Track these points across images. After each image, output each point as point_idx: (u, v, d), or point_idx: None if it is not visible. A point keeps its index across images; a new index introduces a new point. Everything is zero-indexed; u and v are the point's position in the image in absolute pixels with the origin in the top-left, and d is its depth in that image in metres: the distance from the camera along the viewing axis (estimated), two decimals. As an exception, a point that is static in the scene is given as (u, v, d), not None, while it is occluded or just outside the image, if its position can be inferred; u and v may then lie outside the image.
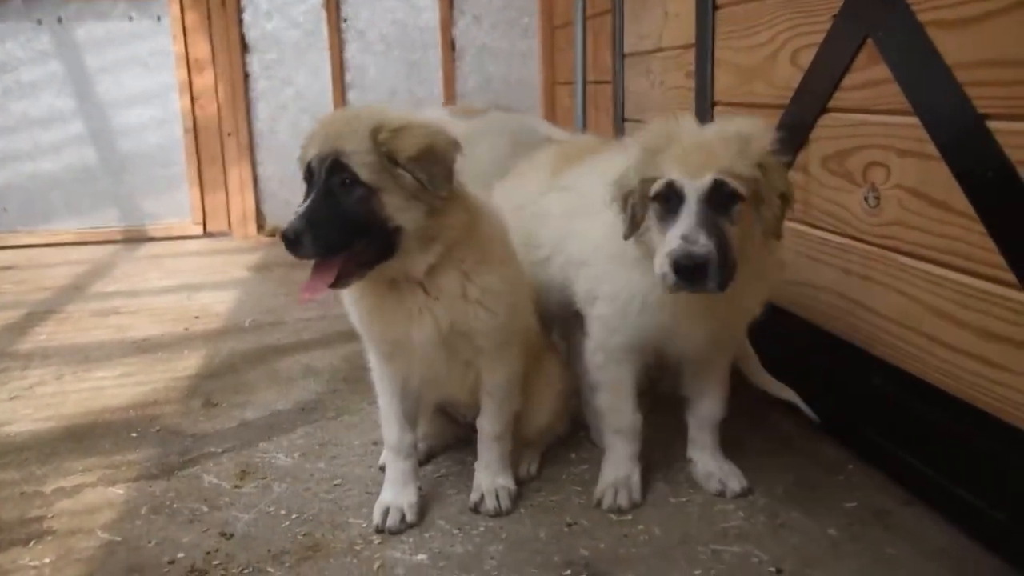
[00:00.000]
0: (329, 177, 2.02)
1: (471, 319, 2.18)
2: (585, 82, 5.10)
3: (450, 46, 6.53)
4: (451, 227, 2.09)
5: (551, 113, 6.62)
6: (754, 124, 2.14)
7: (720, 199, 2.01)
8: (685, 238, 1.96)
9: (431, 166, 2.02)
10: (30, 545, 2.29)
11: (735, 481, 2.41)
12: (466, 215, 2.14)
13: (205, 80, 6.37)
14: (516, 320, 2.29)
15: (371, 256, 2.04)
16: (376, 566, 2.14)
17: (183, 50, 6.30)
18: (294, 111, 6.48)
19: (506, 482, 2.41)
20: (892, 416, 2.43)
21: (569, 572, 2.06)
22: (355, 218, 2.00)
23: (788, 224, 2.69)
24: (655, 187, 2.06)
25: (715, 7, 3.40)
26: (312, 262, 2.07)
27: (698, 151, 2.04)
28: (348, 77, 6.51)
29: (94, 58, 6.26)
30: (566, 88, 6.20)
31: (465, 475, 2.58)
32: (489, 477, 2.40)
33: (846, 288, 2.65)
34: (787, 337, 2.85)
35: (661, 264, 1.99)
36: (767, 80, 3.02)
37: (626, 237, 2.16)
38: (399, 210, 2.02)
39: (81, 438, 2.97)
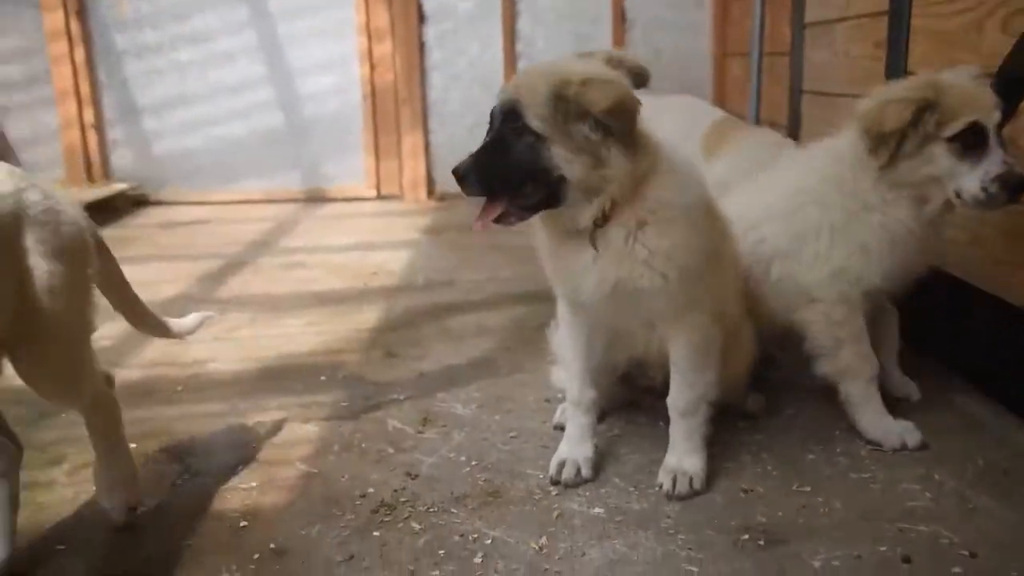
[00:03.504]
0: (503, 124, 2.09)
1: (636, 279, 2.14)
2: (762, 54, 4.96)
3: (620, 17, 6.49)
4: (617, 182, 2.08)
5: (720, 86, 6.49)
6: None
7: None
8: (1007, 163, 2.30)
9: (620, 118, 2.04)
10: (238, 470, 2.46)
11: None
12: (638, 172, 2.11)
13: (383, 49, 6.56)
14: (694, 287, 2.20)
15: (535, 201, 2.09)
16: (555, 515, 2.18)
17: (364, 20, 6.51)
18: (466, 80, 6.60)
19: (691, 466, 2.29)
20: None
21: (747, 536, 2.04)
22: (520, 163, 2.06)
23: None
24: (955, 127, 2.34)
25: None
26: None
27: (983, 94, 2.36)
28: (518, 47, 6.58)
29: (285, 27, 6.56)
30: (737, 60, 6.06)
31: (637, 436, 2.60)
32: (674, 458, 2.33)
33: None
34: (980, 317, 2.72)
35: (986, 186, 2.31)
36: (972, 49, 2.84)
37: (883, 168, 2.42)
38: (564, 160, 2.05)
39: (275, 378, 3.16)
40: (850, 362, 2.52)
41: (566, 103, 2.03)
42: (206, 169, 6.75)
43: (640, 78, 3.52)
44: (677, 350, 2.29)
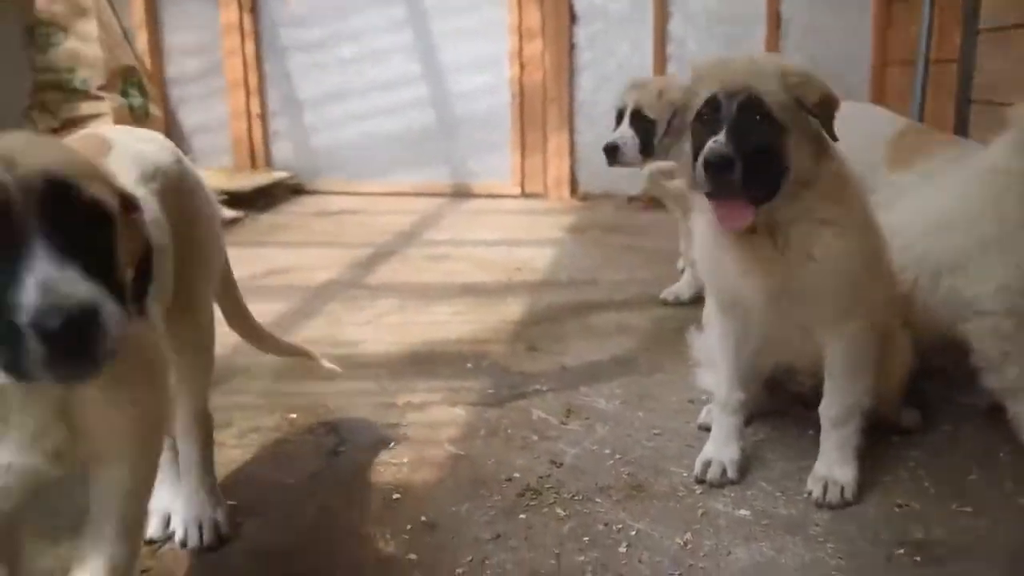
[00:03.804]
0: (741, 111, 2.03)
1: (809, 278, 2.12)
2: (928, 61, 4.77)
3: (776, 21, 6.35)
4: (823, 178, 2.09)
5: (878, 95, 6.26)
6: None
7: None
8: None
9: (830, 112, 2.07)
10: (390, 446, 2.56)
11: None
12: (837, 169, 2.13)
13: (534, 49, 6.64)
14: (861, 293, 2.18)
15: (763, 197, 2.05)
16: (699, 513, 2.18)
17: (517, 20, 6.61)
18: (616, 81, 6.56)
19: (842, 476, 2.23)
20: None
21: (902, 551, 1.98)
22: (763, 154, 2.02)
23: None
24: None
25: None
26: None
27: None
28: (669, 49, 6.53)
29: (439, 25, 6.74)
30: (898, 68, 5.84)
31: (783, 443, 2.56)
32: (824, 466, 2.27)
33: None
34: None
35: None
36: None
37: None
38: (796, 150, 2.05)
39: (423, 363, 3.26)
40: (1018, 379, 2.41)
41: (793, 92, 2.04)
42: (359, 161, 7.00)
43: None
44: (833, 357, 2.26)
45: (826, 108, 2.06)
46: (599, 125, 6.58)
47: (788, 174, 2.04)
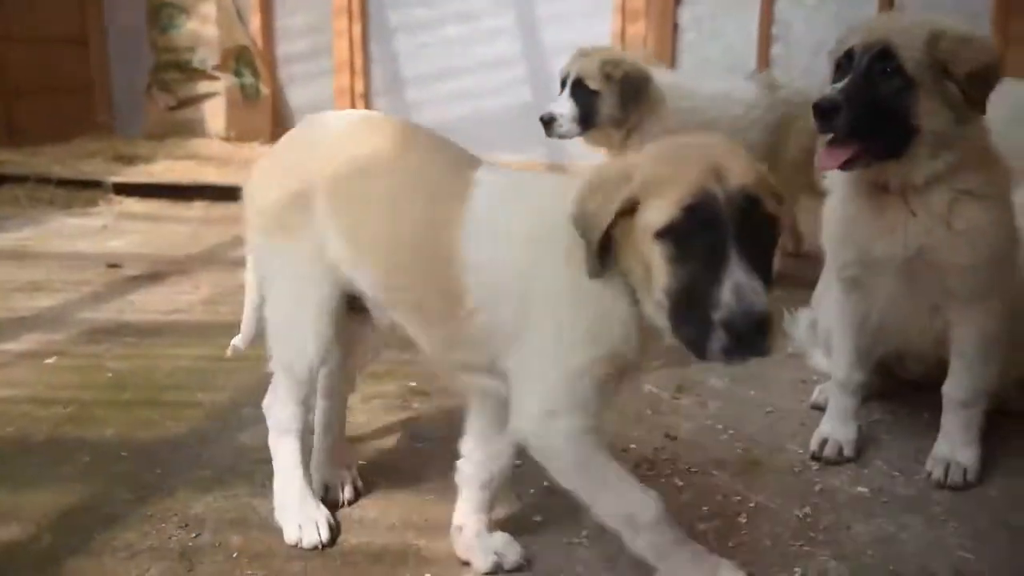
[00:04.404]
0: (872, 63, 2.09)
1: (946, 249, 2.11)
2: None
3: (889, 2, 6.20)
4: (968, 142, 2.09)
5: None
6: None
7: None
8: None
9: (982, 85, 2.05)
10: None
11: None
12: (984, 142, 2.13)
13: (637, 30, 6.63)
14: (998, 270, 2.15)
15: (881, 150, 2.10)
16: (817, 489, 2.22)
17: (621, 0, 6.61)
18: (720, 63, 6.54)
19: (965, 457, 2.23)
20: None
21: (1025, 533, 2.00)
22: (886, 106, 2.06)
23: None
24: None
25: None
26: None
27: None
28: (774, 31, 6.44)
29: (544, 7, 6.79)
30: (1019, 48, 5.65)
31: (899, 424, 2.58)
32: (947, 447, 2.27)
33: None
34: None
35: None
36: None
37: None
38: (927, 111, 2.06)
39: None
40: None
41: (939, 55, 2.04)
42: (460, 139, 7.01)
43: (634, 84, 3.41)
44: (965, 337, 2.24)
45: (977, 80, 2.04)
46: (700, 107, 6.57)
47: (919, 133, 2.06)
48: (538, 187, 1.82)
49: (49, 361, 3.06)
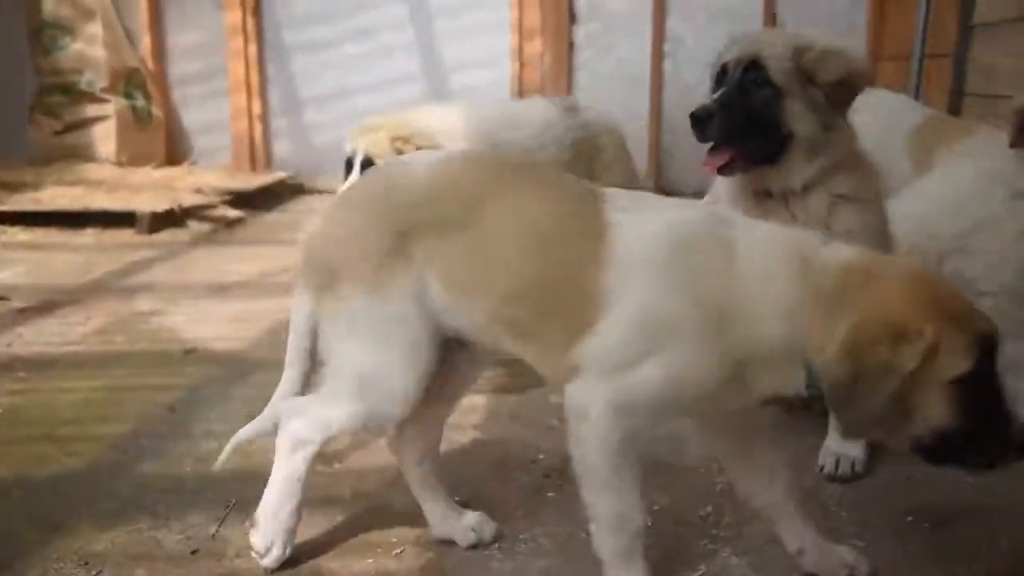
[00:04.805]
0: (743, 75, 2.23)
1: None
2: (924, 55, 4.90)
3: (772, 18, 6.47)
4: (838, 147, 2.20)
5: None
6: None
7: None
8: None
9: (847, 92, 2.19)
10: None
11: None
12: (853, 146, 2.24)
13: (533, 48, 6.75)
14: None
15: (757, 155, 2.22)
16: (718, 488, 2.28)
17: (517, 18, 6.71)
18: (615, 79, 6.69)
19: (853, 451, 2.34)
20: None
21: (911, 518, 2.11)
22: (756, 114, 2.19)
23: None
24: None
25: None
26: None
27: None
28: (666, 47, 6.63)
29: (442, 24, 6.86)
30: (891, 64, 5.95)
31: (795, 424, 2.62)
32: (836, 442, 2.36)
33: None
34: None
35: None
36: None
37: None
38: (796, 117, 2.18)
39: None
40: (1014, 355, 2.50)
41: (805, 65, 2.17)
42: (360, 160, 7.06)
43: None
44: None
45: (842, 87, 2.18)
46: (599, 122, 6.69)
47: (791, 139, 2.19)
48: (682, 226, 1.77)
49: (-67, 398, 2.93)
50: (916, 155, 3.04)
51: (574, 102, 3.68)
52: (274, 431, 1.96)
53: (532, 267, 1.75)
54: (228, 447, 2.02)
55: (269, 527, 1.92)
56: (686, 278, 1.67)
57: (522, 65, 6.77)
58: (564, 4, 6.62)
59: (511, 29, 6.74)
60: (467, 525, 2.04)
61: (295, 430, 1.90)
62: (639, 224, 1.73)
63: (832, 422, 2.40)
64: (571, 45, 6.73)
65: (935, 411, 1.54)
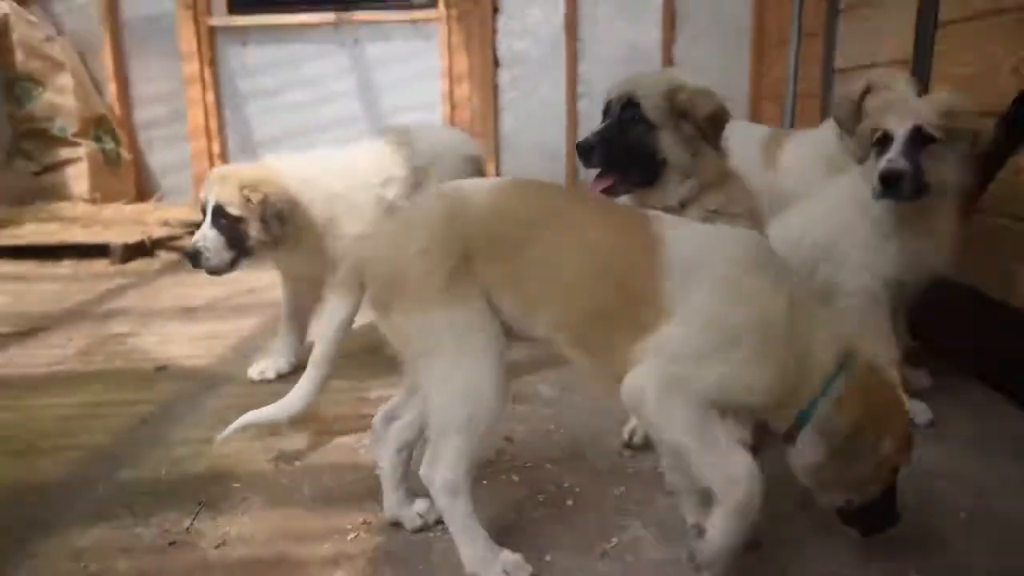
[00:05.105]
0: (622, 112, 2.35)
1: None
2: (795, 95, 5.10)
3: (669, 64, 6.61)
4: (707, 171, 2.30)
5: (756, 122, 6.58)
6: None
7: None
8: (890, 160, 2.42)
9: (715, 125, 2.30)
10: (366, 432, 2.57)
11: None
12: (721, 168, 2.34)
13: (462, 91, 6.78)
14: None
15: (638, 179, 2.34)
16: (630, 471, 2.38)
17: (448, 66, 6.76)
18: (538, 118, 6.76)
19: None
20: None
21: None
22: (633, 145, 2.31)
23: (1001, 220, 2.74)
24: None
25: (936, 24, 3.34)
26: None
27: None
28: (579, 88, 6.73)
29: (380, 73, 6.88)
30: (770, 103, 6.17)
31: None
32: None
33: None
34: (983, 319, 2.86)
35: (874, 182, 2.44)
36: (988, 91, 2.93)
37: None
38: (669, 147, 2.30)
39: (388, 363, 3.32)
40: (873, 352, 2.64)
41: (676, 104, 2.29)
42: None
43: (275, 209, 2.92)
44: None
45: (710, 122, 2.29)
46: (520, 156, 6.79)
47: (666, 165, 2.31)
48: (722, 236, 1.82)
49: (-75, 419, 2.87)
50: (764, 157, 3.53)
51: (407, 137, 3.47)
52: (285, 420, 1.99)
53: (593, 279, 1.75)
54: (233, 426, 2.01)
55: (493, 568, 1.84)
56: (746, 294, 1.69)
57: (453, 107, 6.82)
58: (488, 52, 6.69)
59: (442, 75, 6.78)
60: (416, 512, 2.07)
61: (443, 482, 1.83)
62: (688, 238, 1.76)
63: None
64: (496, 88, 6.78)
65: (874, 487, 1.75)
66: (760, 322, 1.66)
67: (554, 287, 1.77)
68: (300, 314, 3.30)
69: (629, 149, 2.30)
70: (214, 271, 2.92)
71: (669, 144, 2.30)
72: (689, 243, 1.75)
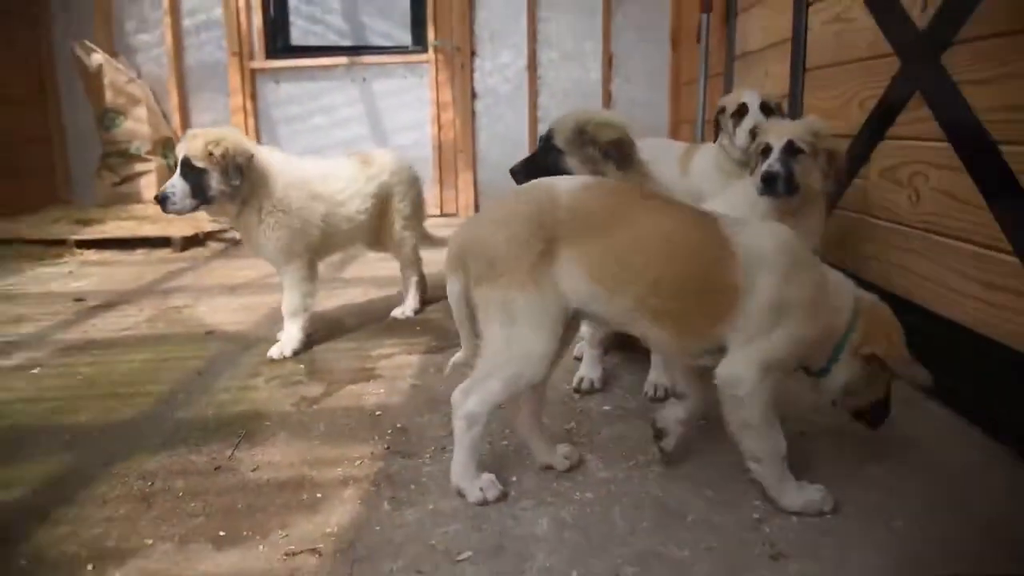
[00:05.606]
0: (543, 142, 2.32)
1: None
2: (704, 121, 5.11)
3: (608, 97, 6.61)
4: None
5: (675, 138, 6.57)
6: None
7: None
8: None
9: (618, 149, 2.24)
10: (369, 382, 2.63)
11: None
12: (639, 182, 2.30)
13: (447, 116, 6.70)
14: None
15: None
16: (578, 410, 2.34)
17: (435, 96, 6.67)
18: (504, 141, 6.71)
19: (664, 379, 2.39)
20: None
21: (704, 422, 2.18)
22: (549, 167, 2.24)
23: (853, 215, 2.76)
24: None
25: (804, 69, 3.38)
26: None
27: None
28: (539, 115, 6.70)
29: (383, 101, 6.77)
30: (686, 125, 6.18)
31: (630, 364, 2.71)
32: (656, 374, 2.41)
33: (893, 257, 2.64)
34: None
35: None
36: (843, 119, 2.99)
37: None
38: (575, 166, 2.24)
39: (385, 329, 3.32)
40: None
41: (584, 134, 2.24)
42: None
43: (234, 161, 2.71)
44: None
45: (614, 146, 2.22)
46: (492, 169, 6.74)
47: None
48: (769, 232, 1.75)
49: (35, 371, 2.81)
50: (680, 165, 3.50)
51: (368, 156, 3.32)
52: (469, 363, 1.83)
53: (671, 267, 1.66)
54: (450, 364, 1.93)
55: (472, 485, 1.81)
56: (797, 275, 1.67)
57: (440, 128, 6.74)
58: (468, 86, 6.62)
59: (431, 104, 6.69)
60: (562, 455, 1.96)
61: (468, 410, 1.76)
62: (749, 234, 1.70)
63: (653, 360, 2.42)
64: (473, 114, 6.72)
65: (881, 393, 1.78)
66: (809, 295, 1.66)
67: (636, 270, 1.67)
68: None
69: (546, 170, 2.20)
70: (177, 213, 2.75)
71: (575, 164, 2.24)
72: (750, 238, 1.68)
